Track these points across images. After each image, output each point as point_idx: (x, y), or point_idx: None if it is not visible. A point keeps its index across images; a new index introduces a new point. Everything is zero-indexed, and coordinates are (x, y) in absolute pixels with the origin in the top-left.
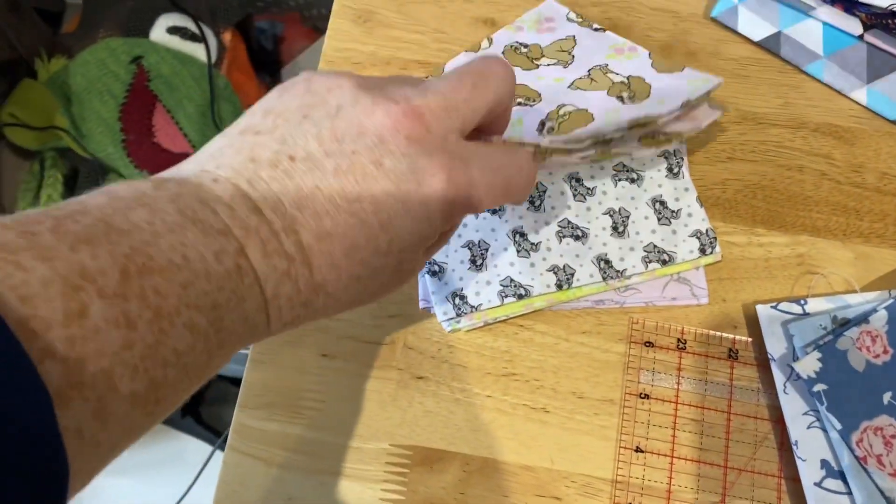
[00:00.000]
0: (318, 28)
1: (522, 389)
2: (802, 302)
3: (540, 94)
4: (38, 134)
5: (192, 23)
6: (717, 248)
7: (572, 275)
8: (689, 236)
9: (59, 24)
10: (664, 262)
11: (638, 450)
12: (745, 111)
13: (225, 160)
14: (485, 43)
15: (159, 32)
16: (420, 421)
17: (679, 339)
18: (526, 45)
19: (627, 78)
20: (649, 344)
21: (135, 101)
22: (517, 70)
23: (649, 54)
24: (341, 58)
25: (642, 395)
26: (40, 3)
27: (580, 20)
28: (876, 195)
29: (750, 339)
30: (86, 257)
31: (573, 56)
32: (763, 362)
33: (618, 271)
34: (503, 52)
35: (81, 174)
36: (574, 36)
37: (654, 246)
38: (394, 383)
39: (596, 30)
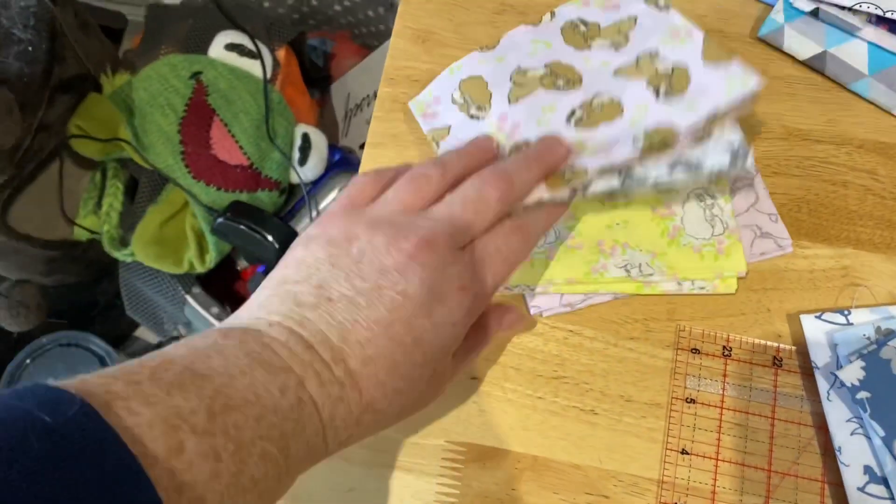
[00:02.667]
0: (367, 45)
1: (572, 392)
2: (846, 312)
3: (582, 79)
4: (102, 145)
5: (249, 40)
6: (750, 163)
7: (587, 186)
8: (720, 148)
9: (120, 40)
10: (690, 169)
11: (684, 452)
12: (791, 128)
13: (273, 307)
14: (547, 16)
15: (217, 49)
16: (474, 420)
17: (724, 347)
18: (586, 24)
19: (672, 69)
20: (695, 351)
21: (193, 114)
22: (569, 49)
23: (704, 37)
24: (402, 75)
25: (688, 400)
26: (105, 21)
27: None
28: None
29: (794, 348)
30: (180, 400)
31: (628, 39)
32: (807, 370)
33: (640, 180)
34: (562, 28)
35: (141, 184)
36: (637, 17)
37: (682, 157)
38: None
39: (661, 8)
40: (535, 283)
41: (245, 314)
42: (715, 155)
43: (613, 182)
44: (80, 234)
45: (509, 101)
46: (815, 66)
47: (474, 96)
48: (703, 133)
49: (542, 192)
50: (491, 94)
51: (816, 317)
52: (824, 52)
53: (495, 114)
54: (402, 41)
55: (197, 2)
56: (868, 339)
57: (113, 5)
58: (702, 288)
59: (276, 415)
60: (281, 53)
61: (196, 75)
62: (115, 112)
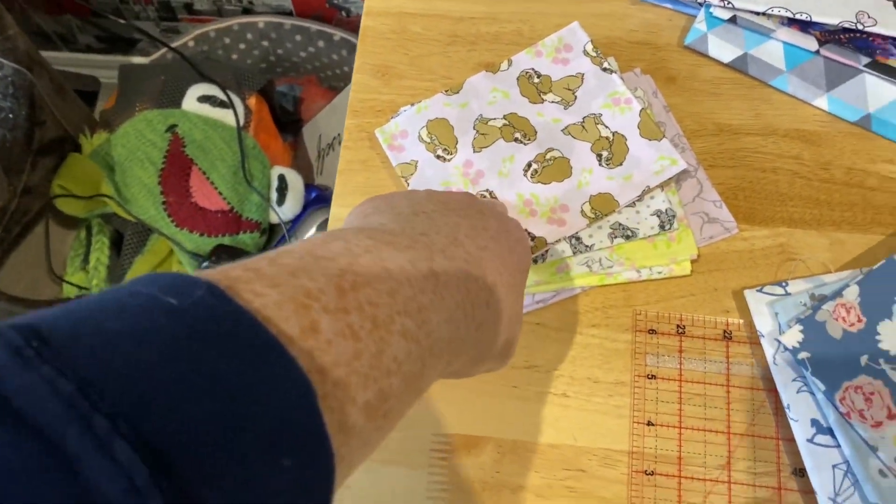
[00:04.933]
0: (333, 87)
1: (544, 379)
2: (784, 284)
3: (536, 133)
4: (85, 203)
5: (220, 91)
6: (676, 224)
7: (546, 251)
8: (651, 215)
9: (94, 103)
10: (627, 238)
11: (649, 423)
12: (722, 124)
13: (379, 219)
14: (504, 64)
15: (190, 102)
16: (456, 412)
17: (678, 326)
18: (539, 76)
19: (613, 134)
20: (652, 331)
21: (172, 165)
22: (524, 101)
23: (641, 111)
24: (365, 107)
25: (650, 376)
26: (79, 85)
27: (594, 54)
28: (844, 188)
29: (741, 321)
30: (305, 281)
31: (576, 97)
32: (754, 339)
33: (587, 246)
34: (517, 79)
35: (127, 236)
36: (583, 74)
37: (619, 224)
38: None
39: (605, 69)
40: None
41: (359, 226)
42: (647, 222)
43: (566, 249)
44: (69, 291)
45: (473, 150)
46: (738, 67)
47: (441, 138)
48: (635, 202)
49: None
50: (457, 140)
51: (758, 290)
52: (745, 55)
53: (461, 159)
54: (363, 76)
55: (166, 59)
56: (805, 305)
57: (86, 70)
58: (659, 273)
59: (410, 286)
60: (252, 101)
61: (172, 128)
62: (96, 170)
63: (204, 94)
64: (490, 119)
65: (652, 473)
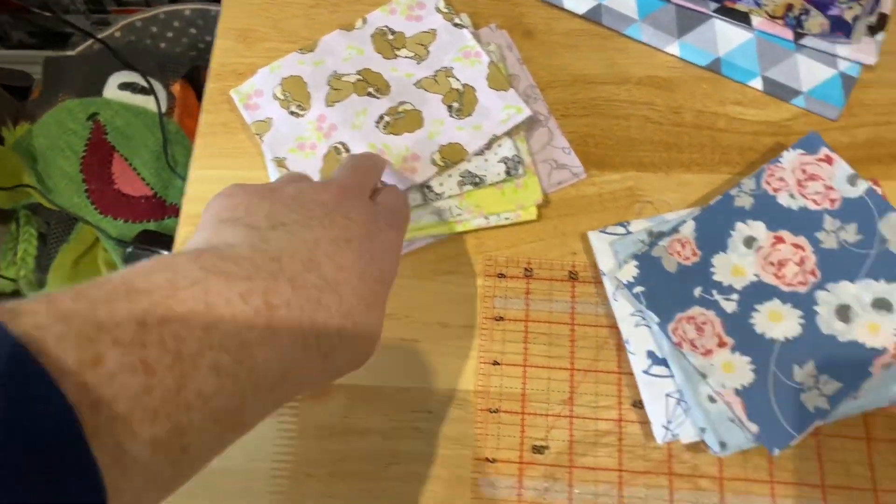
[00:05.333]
0: None
1: (397, 325)
2: (626, 224)
3: (389, 87)
4: (9, 193)
5: (141, 78)
6: (521, 171)
7: None
8: (498, 162)
9: (26, 97)
10: (476, 184)
11: (495, 363)
12: (577, 75)
13: (226, 234)
14: (359, 22)
15: (112, 90)
16: None
17: (526, 269)
18: (393, 32)
19: (463, 86)
20: (501, 275)
21: (93, 153)
22: (378, 57)
23: (489, 63)
24: (227, 71)
25: (497, 318)
26: (11, 80)
27: (446, 11)
28: (693, 130)
29: (587, 262)
30: (102, 315)
31: (429, 52)
32: (598, 279)
33: (437, 194)
34: (372, 36)
35: (52, 226)
36: (436, 30)
37: (468, 171)
38: None
39: (456, 25)
40: None
41: (201, 242)
42: (494, 169)
43: (417, 198)
44: (4, 286)
45: (327, 104)
46: (592, 17)
47: (294, 95)
48: (484, 150)
49: None
50: (310, 95)
51: (601, 231)
52: (599, 5)
53: (314, 114)
54: (226, 41)
55: (92, 50)
56: (643, 242)
57: (19, 66)
58: (507, 218)
59: (234, 323)
60: (176, 87)
61: (93, 116)
62: (18, 160)
63: (125, 81)
64: (344, 75)
65: (496, 411)
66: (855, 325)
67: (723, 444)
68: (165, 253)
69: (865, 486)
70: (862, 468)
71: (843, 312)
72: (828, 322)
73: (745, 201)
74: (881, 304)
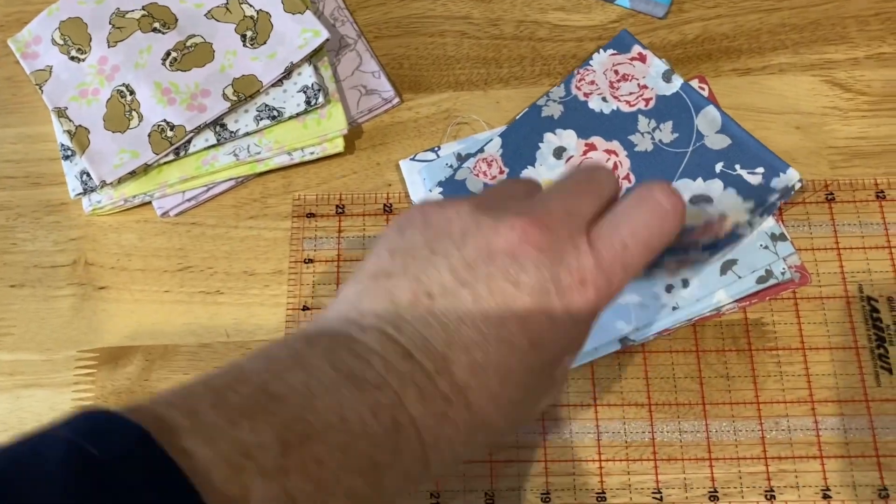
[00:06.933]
0: None
1: (197, 279)
2: (437, 149)
3: (177, 21)
4: None
5: None
6: (321, 99)
7: (189, 140)
8: (298, 92)
9: None
10: (274, 118)
11: (305, 308)
12: None
13: (366, 306)
14: None
15: None
16: (104, 325)
17: (338, 206)
18: None
19: (257, 13)
20: (311, 215)
21: None
22: None
23: None
24: (12, 20)
25: (307, 261)
26: None
27: None
28: (513, 42)
29: (402, 192)
30: (246, 433)
31: None
32: None
33: (232, 132)
34: None
35: None
36: None
37: (266, 105)
38: (78, 298)
39: None
40: (152, 188)
41: (334, 314)
42: (293, 100)
43: (210, 138)
44: None
45: (109, 45)
46: None
47: (74, 38)
48: (283, 80)
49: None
50: (90, 37)
51: (411, 159)
52: None
53: (95, 57)
54: None
55: None
56: (450, 167)
57: None
58: (312, 153)
59: (367, 441)
60: None
61: None
62: None
63: None
64: (128, 12)
65: None
66: None
67: None
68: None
69: (695, 400)
70: (690, 381)
71: None
72: None
73: (553, 110)
74: (699, 199)
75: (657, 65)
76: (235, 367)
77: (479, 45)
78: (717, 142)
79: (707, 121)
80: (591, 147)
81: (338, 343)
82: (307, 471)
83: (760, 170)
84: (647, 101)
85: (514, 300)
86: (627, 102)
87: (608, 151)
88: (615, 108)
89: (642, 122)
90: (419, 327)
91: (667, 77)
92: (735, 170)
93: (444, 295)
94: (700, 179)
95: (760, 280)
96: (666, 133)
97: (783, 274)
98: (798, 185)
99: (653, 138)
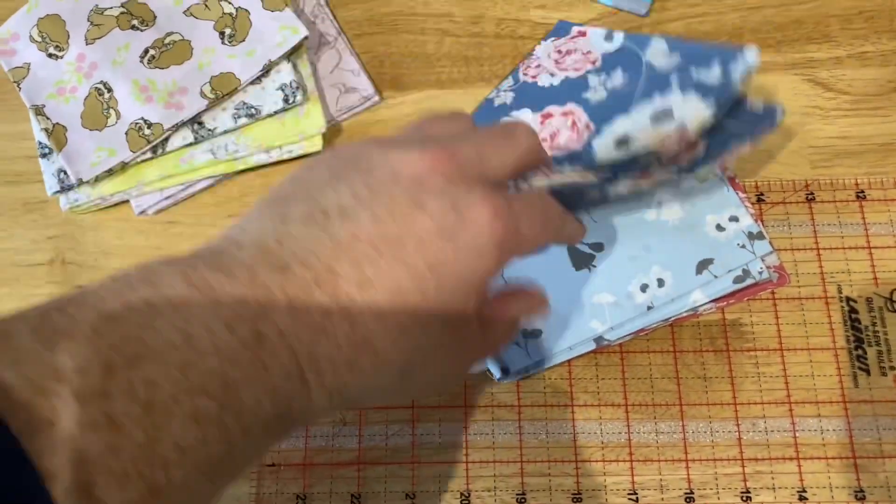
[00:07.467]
0: None
1: None
2: None
3: (155, 18)
4: None
5: None
6: (299, 97)
7: (166, 139)
8: (276, 90)
9: None
10: (251, 116)
11: None
12: None
13: (252, 225)
14: None
15: None
16: None
17: None
18: None
19: (237, 10)
20: None
21: None
22: None
23: None
24: None
25: None
26: None
27: None
28: (494, 41)
29: None
30: (63, 356)
31: None
32: None
33: (209, 130)
34: None
35: None
36: None
37: (244, 103)
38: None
39: None
40: (130, 186)
41: (218, 237)
42: (271, 98)
43: (188, 136)
44: None
45: (87, 42)
46: None
47: (52, 35)
48: (261, 78)
49: None
50: (69, 35)
51: None
52: None
53: (73, 54)
54: None
55: None
56: None
57: None
58: (290, 152)
59: (218, 358)
60: None
61: None
62: None
63: None
64: (107, 9)
65: None
66: (636, 145)
67: (504, 370)
68: None
69: (672, 401)
70: (667, 382)
71: (622, 142)
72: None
73: (505, 98)
74: (661, 116)
75: (597, 32)
76: (82, 289)
77: (460, 42)
78: (670, 62)
79: (655, 52)
80: (548, 115)
81: (201, 259)
82: (134, 393)
83: (716, 63)
84: (594, 62)
85: (415, 222)
86: (575, 69)
87: (564, 114)
88: (564, 77)
89: (593, 80)
90: (306, 242)
91: (608, 37)
92: (691, 75)
93: (342, 214)
94: (657, 95)
95: (737, 280)
96: (617, 79)
97: (760, 273)
98: (755, 60)
99: (606, 88)
